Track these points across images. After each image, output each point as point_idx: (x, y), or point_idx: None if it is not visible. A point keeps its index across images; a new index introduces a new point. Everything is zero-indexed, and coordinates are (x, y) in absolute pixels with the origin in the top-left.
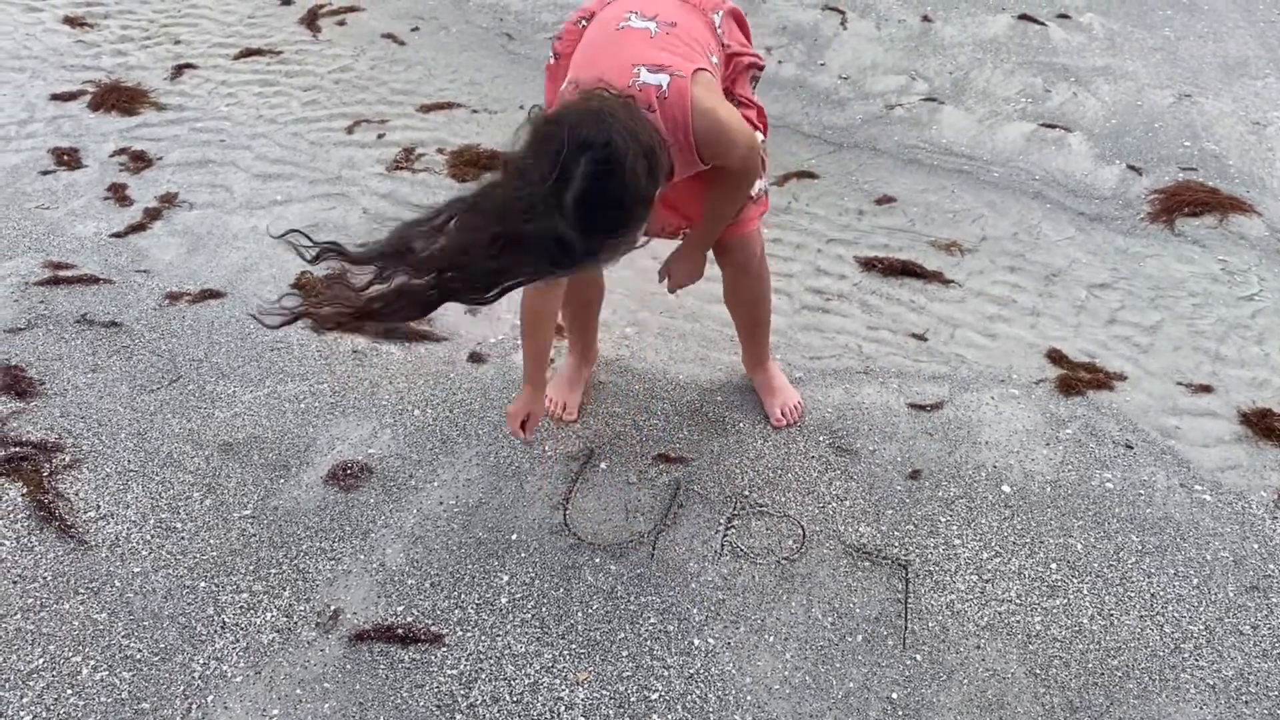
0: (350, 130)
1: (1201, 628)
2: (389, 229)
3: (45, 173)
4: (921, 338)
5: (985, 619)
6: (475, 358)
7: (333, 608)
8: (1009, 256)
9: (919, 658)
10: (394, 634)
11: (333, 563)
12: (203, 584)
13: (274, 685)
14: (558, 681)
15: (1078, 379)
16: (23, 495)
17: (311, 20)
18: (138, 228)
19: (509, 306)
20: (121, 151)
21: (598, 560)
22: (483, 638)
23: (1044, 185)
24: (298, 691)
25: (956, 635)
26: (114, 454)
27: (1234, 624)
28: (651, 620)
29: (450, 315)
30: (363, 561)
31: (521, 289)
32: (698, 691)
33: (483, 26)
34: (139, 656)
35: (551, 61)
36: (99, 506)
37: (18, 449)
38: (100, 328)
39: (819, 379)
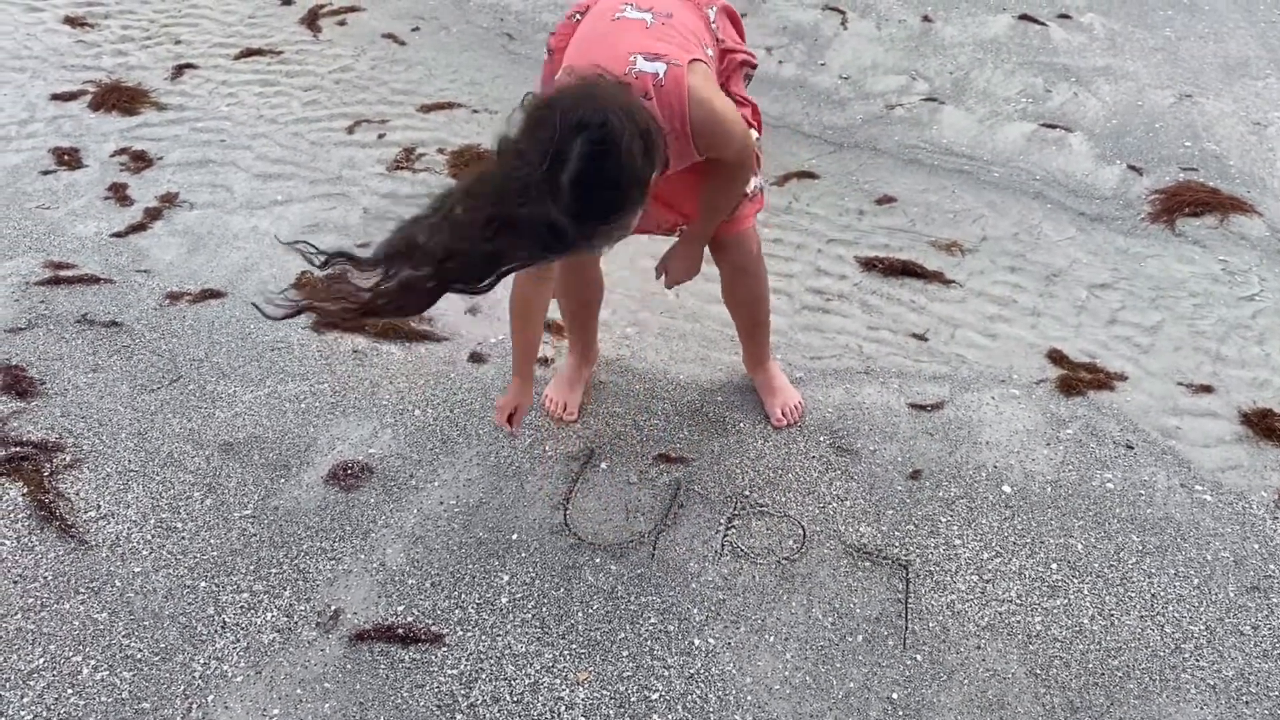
0: (351, 130)
1: (1202, 628)
2: (392, 228)
3: (46, 172)
4: (922, 338)
5: (986, 619)
6: (476, 358)
7: (333, 607)
8: (1009, 256)
9: (919, 658)
10: (394, 634)
11: (333, 562)
12: (203, 584)
13: (274, 685)
14: (558, 681)
15: (1078, 379)
16: (23, 495)
17: (312, 20)
18: (138, 228)
19: (507, 304)
20: (122, 151)
21: (598, 560)
22: (483, 638)
23: (1045, 185)
24: (298, 691)
25: (957, 635)
26: (114, 454)
27: (1234, 624)
28: (652, 620)
29: (450, 315)
30: (363, 561)
31: (514, 282)
32: (698, 691)
33: (483, 26)
34: (139, 656)
35: (547, 59)
36: (99, 506)
37: (18, 449)
38: (101, 327)
39: (819, 379)
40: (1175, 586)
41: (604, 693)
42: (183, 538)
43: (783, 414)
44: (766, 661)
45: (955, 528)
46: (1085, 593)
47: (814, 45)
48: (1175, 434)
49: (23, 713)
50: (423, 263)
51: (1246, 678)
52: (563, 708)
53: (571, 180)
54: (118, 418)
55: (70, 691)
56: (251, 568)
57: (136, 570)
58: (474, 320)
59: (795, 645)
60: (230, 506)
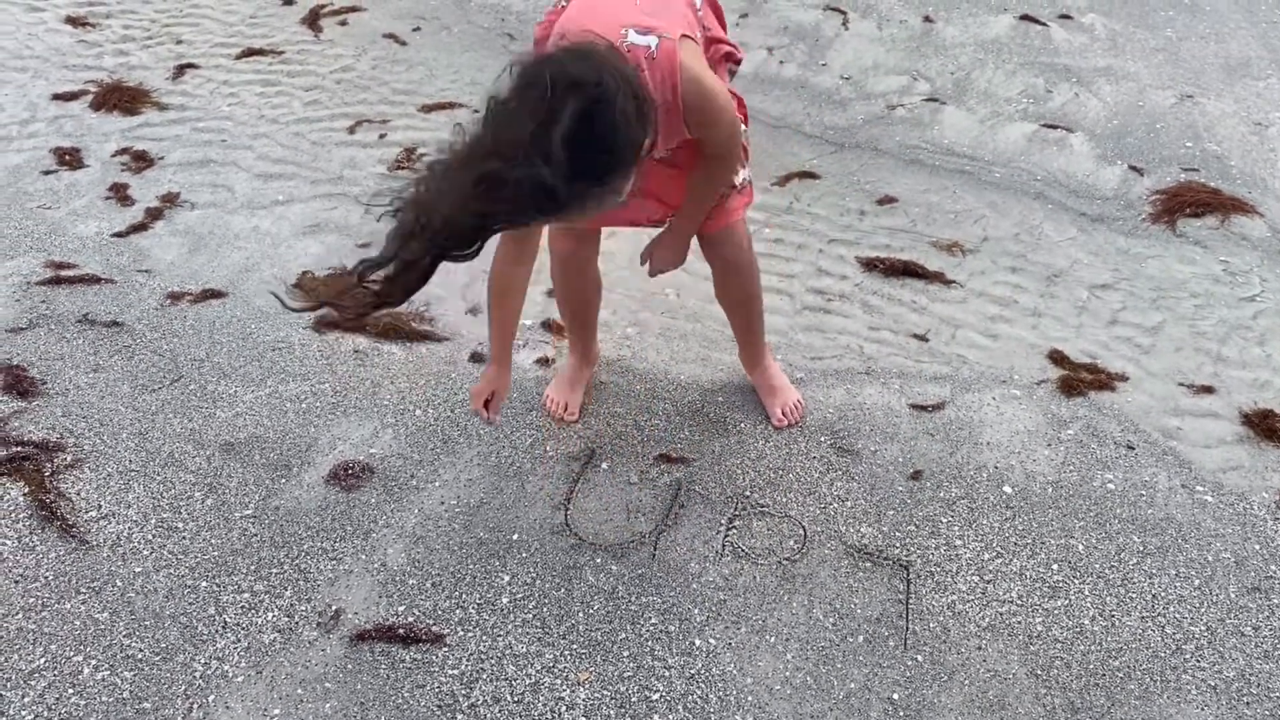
0: (352, 130)
1: (1203, 629)
2: (390, 212)
3: (47, 172)
4: (923, 338)
5: (986, 620)
6: (476, 358)
7: (334, 607)
8: (1010, 257)
9: (920, 658)
10: (395, 634)
11: (334, 562)
12: (204, 584)
13: (275, 685)
14: (559, 682)
15: (1079, 380)
16: (24, 495)
17: (313, 20)
18: (139, 227)
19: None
20: (123, 151)
21: (599, 560)
22: (484, 638)
23: (1045, 186)
24: (299, 691)
25: (958, 636)
26: (115, 454)
27: (1235, 625)
28: (653, 620)
29: (451, 315)
30: (364, 561)
31: (493, 263)
32: (699, 692)
33: (484, 26)
34: (140, 656)
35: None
36: (100, 506)
37: (19, 448)
38: (102, 327)
39: (820, 379)
40: (1176, 587)
41: (605, 693)
42: (184, 538)
43: (783, 414)
44: (767, 662)
45: (956, 528)
46: (1086, 593)
47: (815, 45)
48: (1176, 435)
49: (23, 712)
50: (422, 236)
51: (1247, 679)
52: (563, 708)
53: (564, 139)
54: (119, 418)
55: (71, 691)
56: (252, 568)
57: (137, 570)
58: (475, 320)
59: (796, 646)
60: (231, 506)
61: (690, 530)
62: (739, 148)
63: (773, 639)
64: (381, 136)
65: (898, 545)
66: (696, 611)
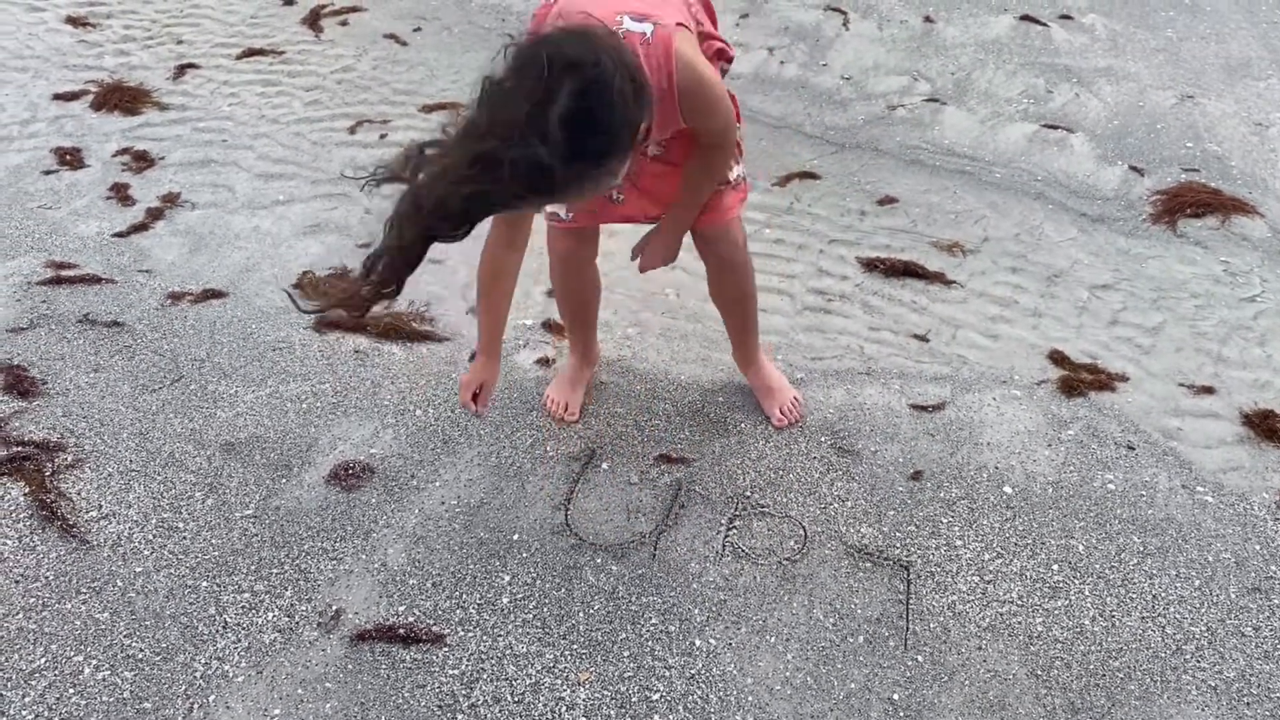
0: (353, 130)
1: (1203, 629)
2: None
3: (48, 172)
4: (923, 339)
5: (987, 620)
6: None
7: (334, 608)
8: (1011, 257)
9: (920, 659)
10: (395, 634)
11: (334, 562)
12: (204, 584)
13: (275, 685)
14: (559, 682)
15: (1079, 380)
16: (25, 495)
17: (314, 20)
18: (140, 227)
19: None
20: (124, 151)
21: (599, 561)
22: (484, 638)
23: (1046, 186)
24: (299, 691)
25: (958, 636)
26: (116, 454)
27: (1236, 625)
28: (653, 621)
29: (451, 315)
30: (364, 561)
31: (483, 249)
32: (699, 692)
33: (485, 27)
34: (141, 656)
35: None
36: (101, 506)
37: (20, 448)
38: (102, 327)
39: (821, 380)
40: (1176, 588)
41: (605, 693)
42: (184, 538)
43: (782, 413)
44: (767, 662)
45: (956, 529)
46: (1086, 594)
47: (816, 46)
48: (1177, 435)
49: (24, 712)
50: (415, 219)
51: (1248, 679)
52: (564, 708)
53: (561, 119)
54: (119, 418)
55: (72, 691)
56: (253, 568)
57: (138, 570)
58: (475, 320)
59: (796, 646)
60: (232, 506)
61: (690, 530)
62: (734, 139)
63: (773, 639)
64: (382, 137)
65: (898, 545)
66: (697, 612)
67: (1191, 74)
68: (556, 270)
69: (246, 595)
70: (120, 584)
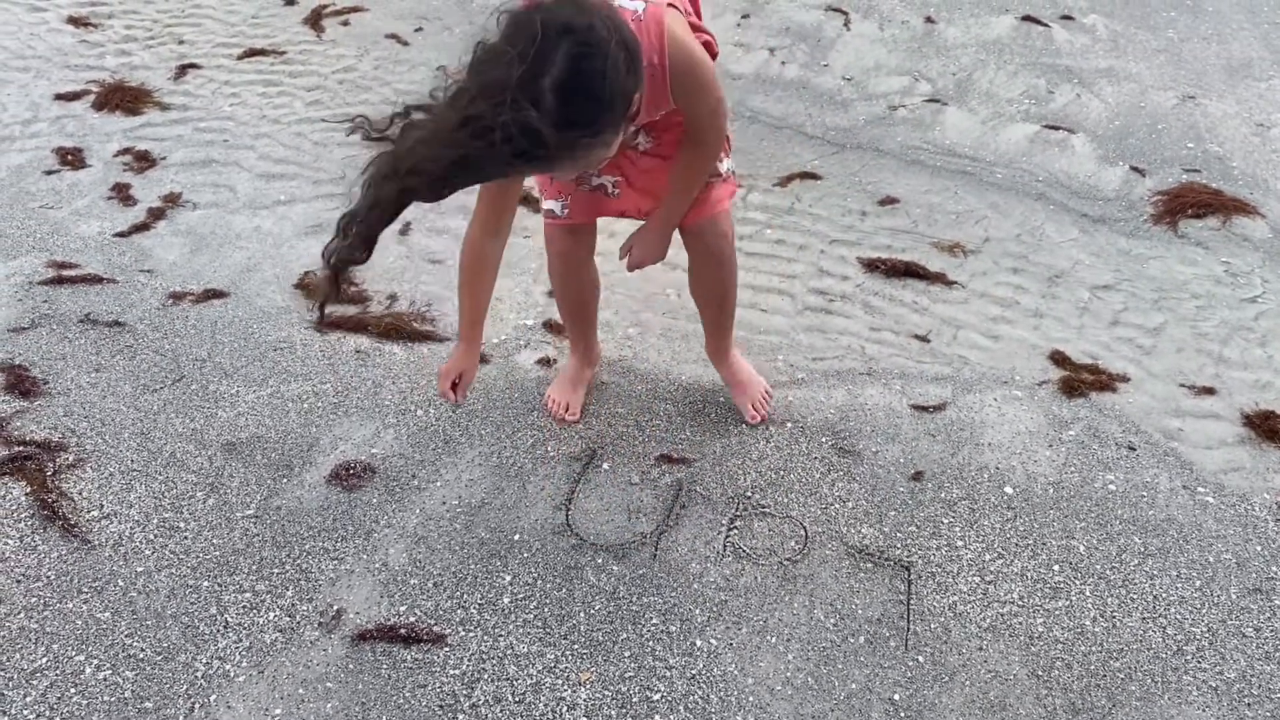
0: (352, 131)
1: (1204, 630)
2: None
3: (49, 172)
4: (924, 339)
5: (988, 620)
6: (479, 358)
7: (335, 607)
8: (1012, 258)
9: (921, 659)
10: (396, 634)
11: (335, 562)
12: (206, 583)
13: (277, 685)
14: (560, 682)
15: (1080, 380)
16: (26, 494)
17: (315, 20)
18: (141, 227)
19: (511, 306)
20: (125, 151)
21: (600, 561)
22: (485, 638)
23: (1047, 187)
24: (300, 691)
25: (959, 637)
26: (117, 453)
27: (1237, 626)
28: (654, 621)
29: (452, 315)
30: (365, 561)
31: (466, 235)
32: (700, 692)
33: (486, 27)
34: (142, 656)
35: None
36: (102, 506)
37: (21, 448)
38: (104, 327)
39: (821, 380)
40: (1177, 588)
41: (606, 693)
42: (185, 537)
43: (754, 408)
44: (768, 662)
45: (957, 529)
46: (1087, 594)
47: (817, 46)
48: (1178, 436)
49: (25, 712)
50: (395, 179)
51: (1248, 680)
52: (564, 708)
53: (554, 85)
54: (120, 417)
55: (73, 691)
56: (254, 567)
57: (139, 570)
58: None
59: (797, 646)
60: (233, 506)
61: (691, 531)
62: (724, 124)
63: (774, 639)
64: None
65: (899, 546)
66: (698, 612)
67: (1193, 74)
68: (555, 268)
69: (248, 595)
70: (121, 584)
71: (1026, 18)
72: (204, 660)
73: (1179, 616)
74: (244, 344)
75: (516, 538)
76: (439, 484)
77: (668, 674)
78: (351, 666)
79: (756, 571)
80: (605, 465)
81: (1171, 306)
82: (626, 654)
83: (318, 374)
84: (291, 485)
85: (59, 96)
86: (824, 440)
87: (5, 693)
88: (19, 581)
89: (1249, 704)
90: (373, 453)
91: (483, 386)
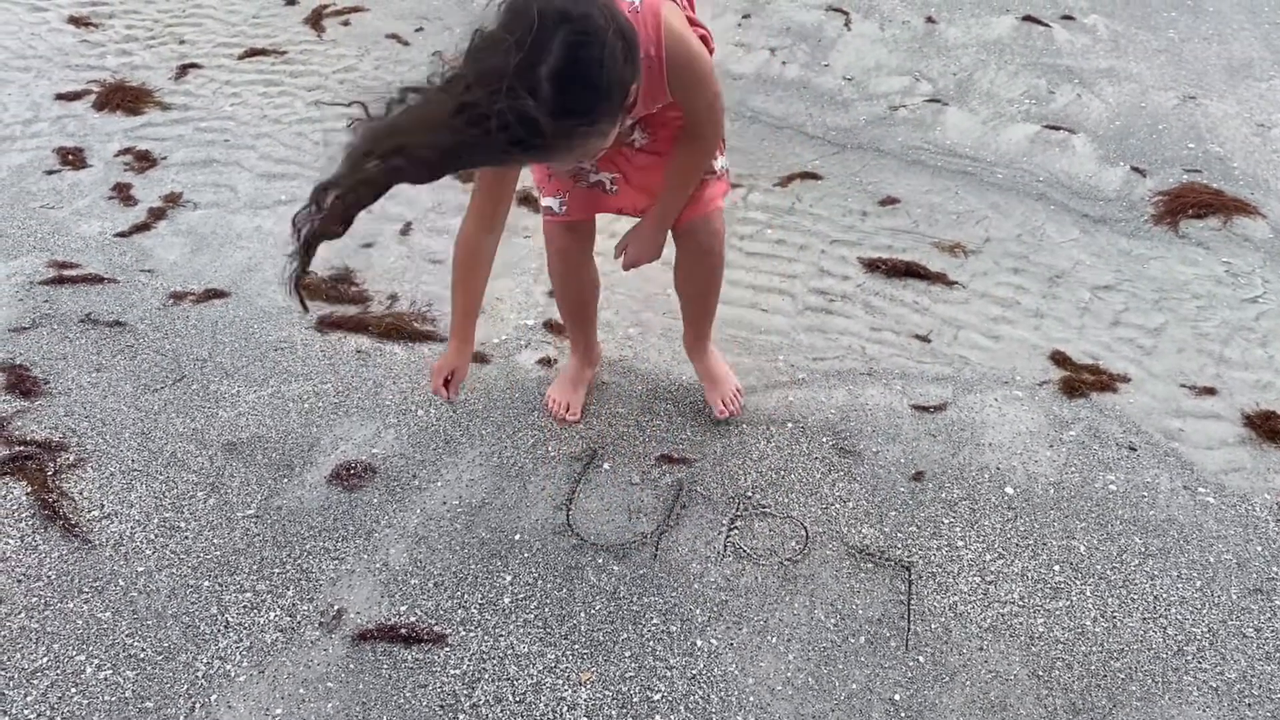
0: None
1: (1205, 630)
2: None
3: (50, 172)
4: (925, 339)
5: (988, 621)
6: (479, 358)
7: (336, 607)
8: (1013, 258)
9: (922, 659)
10: (397, 634)
11: (336, 562)
12: (206, 583)
13: (277, 684)
14: (560, 682)
15: (1081, 381)
16: (27, 494)
17: (316, 20)
18: (142, 227)
19: (512, 306)
20: (126, 151)
21: (600, 561)
22: (486, 638)
23: (1048, 187)
24: (301, 691)
25: (959, 637)
26: (118, 453)
27: (1237, 626)
28: (654, 621)
29: None
30: (366, 561)
31: (459, 230)
32: (700, 692)
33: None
34: (143, 655)
35: None
36: (103, 506)
37: (22, 448)
38: (104, 327)
39: (822, 380)
40: (1178, 589)
41: (606, 693)
42: (186, 537)
43: (724, 404)
44: (769, 662)
45: (958, 529)
46: (1088, 594)
47: (817, 46)
48: (1178, 436)
49: (26, 711)
50: (386, 159)
51: (1249, 680)
52: (565, 708)
53: (551, 73)
54: (121, 417)
55: (74, 690)
56: (254, 567)
57: (140, 570)
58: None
59: (798, 646)
60: (233, 506)
61: (692, 531)
62: (720, 118)
63: (774, 639)
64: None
65: (899, 546)
66: (698, 612)
67: (1193, 75)
68: (554, 266)
69: (248, 595)
70: (122, 583)
71: (1027, 18)
72: (205, 660)
73: (1179, 617)
74: (245, 344)
75: (517, 538)
76: (440, 484)
77: (668, 674)
78: (352, 666)
79: (757, 571)
80: (606, 465)
81: (1172, 307)
82: (627, 654)
83: (318, 374)
84: (292, 485)
85: (60, 96)
86: (825, 440)
87: (6, 692)
88: (20, 581)
89: (1249, 704)
90: (373, 453)
91: (483, 386)
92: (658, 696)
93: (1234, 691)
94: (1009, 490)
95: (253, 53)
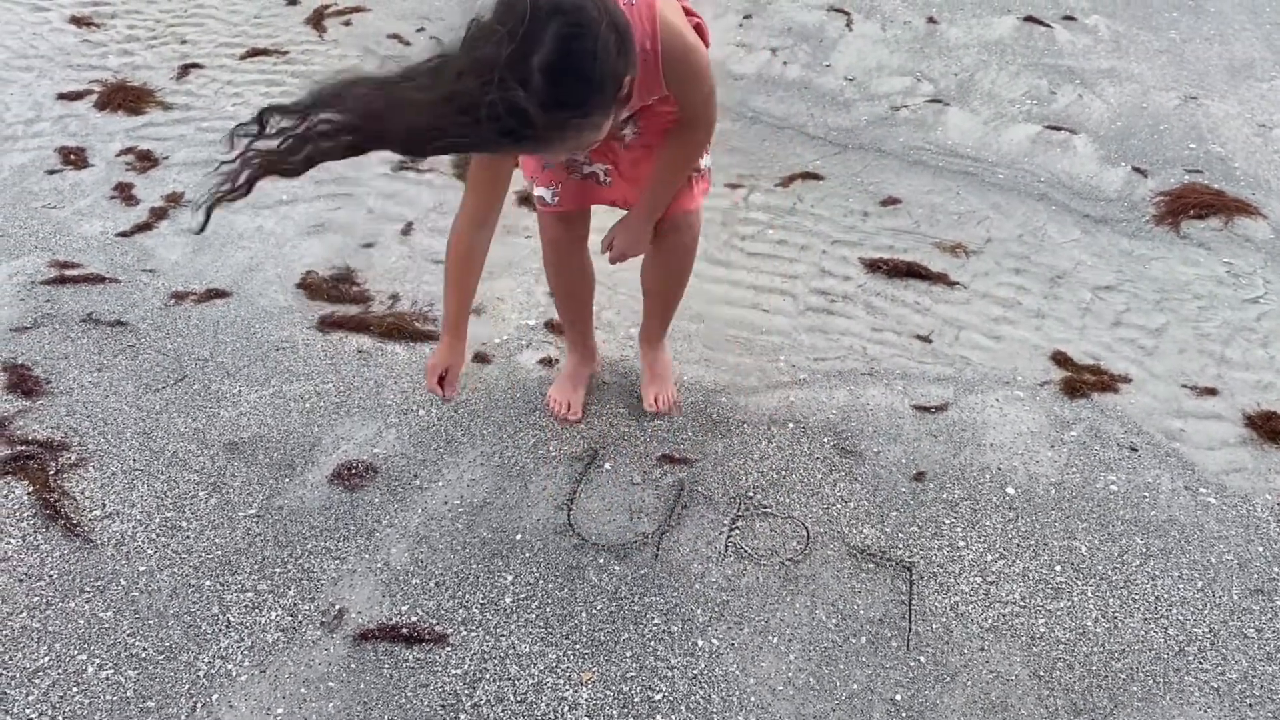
0: None
1: (1206, 630)
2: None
3: (52, 172)
4: (926, 339)
5: (989, 621)
6: (480, 358)
7: (337, 607)
8: (1014, 258)
9: (923, 659)
10: (398, 633)
11: (337, 562)
12: (208, 583)
13: (279, 684)
14: (562, 682)
15: (1082, 381)
16: (29, 494)
17: (317, 20)
18: (144, 227)
19: (513, 306)
20: (128, 151)
21: (602, 561)
22: (487, 638)
23: (1049, 187)
24: (302, 690)
25: (960, 637)
26: (119, 453)
27: (1238, 627)
28: (655, 621)
29: None
30: (367, 561)
31: (453, 226)
32: (701, 692)
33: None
34: (144, 655)
35: None
36: (104, 505)
37: (24, 447)
38: (106, 327)
39: (823, 380)
40: (1179, 589)
41: (607, 693)
42: (187, 537)
43: (655, 401)
44: (770, 662)
45: (959, 529)
46: (1089, 595)
47: (819, 46)
48: (1179, 436)
49: (28, 710)
50: (355, 114)
51: (1250, 680)
52: (566, 708)
53: (543, 65)
54: (123, 417)
55: (75, 690)
56: (256, 567)
57: (141, 569)
58: (477, 320)
59: (799, 646)
60: (235, 506)
61: (693, 531)
62: (714, 113)
63: (775, 640)
64: None
65: (900, 546)
66: (699, 612)
67: (1195, 75)
68: (548, 257)
69: (250, 594)
70: (124, 583)
71: (1029, 18)
72: (206, 659)
73: (1180, 617)
74: (246, 343)
75: (518, 537)
76: (441, 484)
77: (669, 674)
78: (353, 666)
79: (758, 572)
80: (607, 465)
81: (1173, 307)
82: (628, 654)
83: (320, 374)
84: (293, 485)
85: (61, 96)
86: (826, 440)
87: (8, 692)
88: (21, 581)
89: (1250, 705)
90: (375, 452)
91: (484, 386)
92: (659, 696)
93: (1235, 692)
94: (1010, 490)
95: (254, 53)
